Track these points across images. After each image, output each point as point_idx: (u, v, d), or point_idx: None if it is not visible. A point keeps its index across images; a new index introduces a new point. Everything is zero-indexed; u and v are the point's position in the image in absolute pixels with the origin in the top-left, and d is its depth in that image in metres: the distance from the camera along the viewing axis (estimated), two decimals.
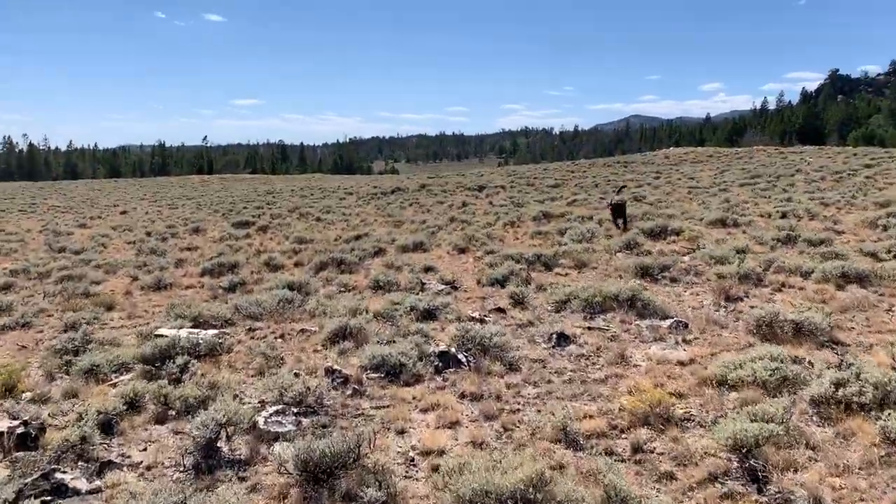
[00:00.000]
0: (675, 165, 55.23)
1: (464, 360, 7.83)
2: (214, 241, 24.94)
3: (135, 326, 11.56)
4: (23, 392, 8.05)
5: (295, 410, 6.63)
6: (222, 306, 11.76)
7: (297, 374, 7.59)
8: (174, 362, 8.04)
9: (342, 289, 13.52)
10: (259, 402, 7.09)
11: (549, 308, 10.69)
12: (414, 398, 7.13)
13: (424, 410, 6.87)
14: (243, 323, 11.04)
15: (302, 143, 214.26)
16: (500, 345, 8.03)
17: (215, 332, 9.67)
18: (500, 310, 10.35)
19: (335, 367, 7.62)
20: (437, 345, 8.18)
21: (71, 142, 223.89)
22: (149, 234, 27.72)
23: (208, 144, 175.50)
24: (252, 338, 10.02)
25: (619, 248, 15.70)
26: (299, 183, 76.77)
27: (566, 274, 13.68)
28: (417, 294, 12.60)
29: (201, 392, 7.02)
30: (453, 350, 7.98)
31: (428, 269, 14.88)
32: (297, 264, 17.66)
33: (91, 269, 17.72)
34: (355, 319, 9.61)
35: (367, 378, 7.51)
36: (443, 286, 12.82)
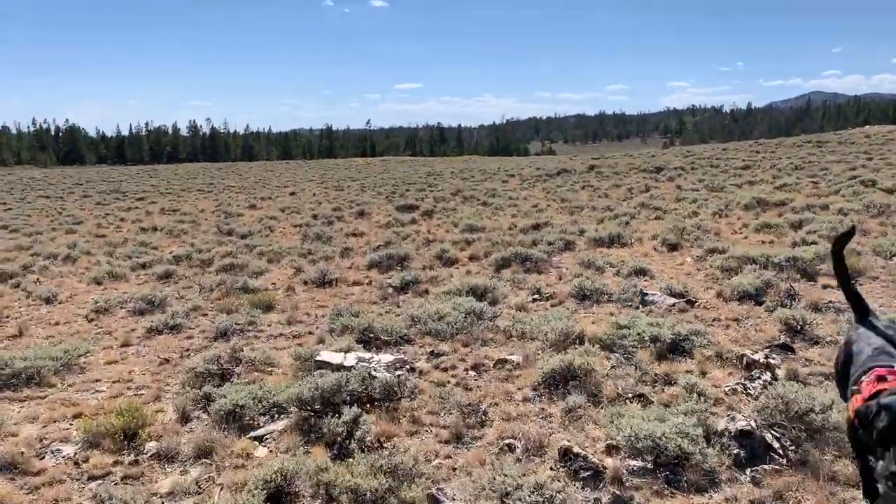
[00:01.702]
0: (883, 145, 47.39)
1: (778, 447, 4.89)
2: (379, 226, 23.26)
3: (294, 336, 9.59)
4: (148, 439, 6.10)
5: None
6: (395, 318, 9.49)
7: (517, 461, 5.00)
8: (339, 417, 5.73)
9: (536, 296, 10.87)
10: None
11: None
12: None
13: None
14: (422, 341, 8.69)
15: (459, 125, 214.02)
16: (832, 423, 4.98)
17: (391, 359, 7.33)
18: (786, 347, 7.20)
19: (575, 448, 4.94)
20: (730, 417, 5.26)
21: (248, 125, 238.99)
22: (315, 216, 26.63)
23: (371, 128, 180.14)
24: (436, 367, 7.60)
25: None
26: (458, 165, 75.38)
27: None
28: (638, 308, 9.70)
29: (378, 482, 4.60)
30: (757, 428, 5.04)
31: (640, 272, 11.88)
32: (471, 258, 15.26)
33: (254, 258, 16.31)
34: (575, 354, 6.90)
35: (628, 472, 4.78)
36: (672, 299, 9.80)
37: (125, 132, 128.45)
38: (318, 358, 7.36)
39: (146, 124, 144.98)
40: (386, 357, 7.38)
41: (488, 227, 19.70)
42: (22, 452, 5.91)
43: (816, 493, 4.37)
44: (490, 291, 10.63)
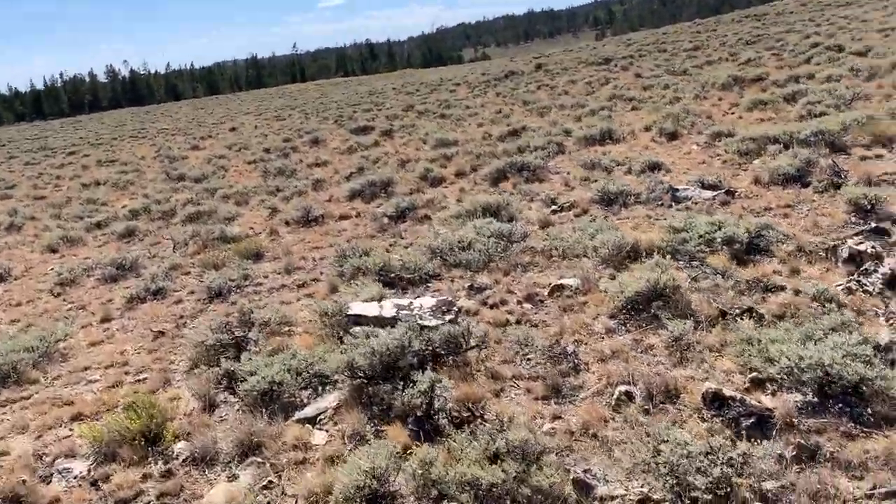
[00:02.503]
0: (822, 12, 46.75)
1: None
2: (341, 152, 21.73)
3: (299, 286, 8.45)
4: (175, 440, 5.01)
5: None
6: (413, 252, 8.41)
7: (646, 412, 4.09)
8: (408, 384, 4.70)
9: (554, 207, 9.86)
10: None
11: None
12: None
13: None
14: (450, 274, 7.66)
15: (389, 40, 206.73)
16: None
17: (433, 302, 6.27)
18: (881, 231, 6.38)
19: (725, 391, 4.05)
20: (894, 327, 4.40)
21: (168, 64, 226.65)
22: (267, 150, 24.84)
23: (298, 52, 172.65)
24: (483, 304, 6.61)
25: None
26: (395, 80, 72.35)
27: (880, 156, 9.40)
28: (671, 206, 8.81)
29: (501, 470, 3.64)
30: None
31: (654, 167, 10.94)
32: (458, 174, 14.12)
33: (220, 202, 14.85)
34: (651, 270, 5.98)
35: (798, 412, 3.91)
36: (707, 192, 8.92)
37: (39, 86, 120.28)
38: (350, 312, 6.27)
39: (60, 74, 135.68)
40: (427, 301, 6.33)
41: (461, 140, 18.42)
42: (23, 480, 4.77)
43: None
44: (504, 208, 9.58)
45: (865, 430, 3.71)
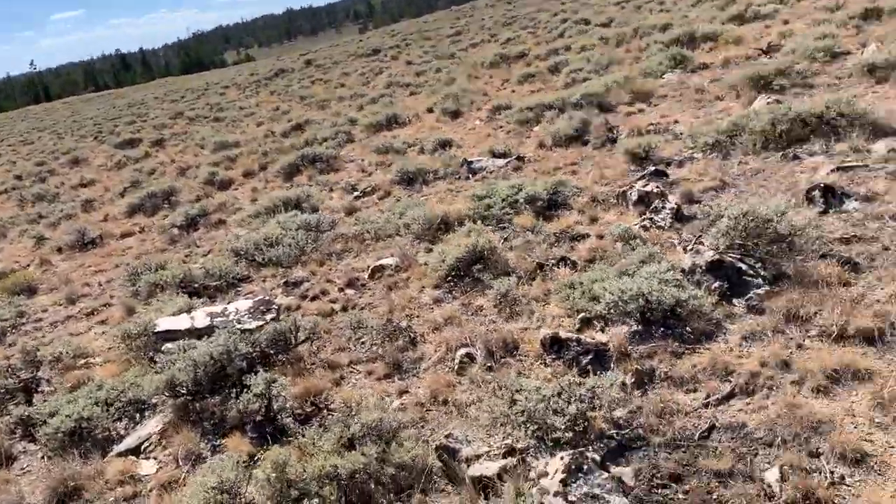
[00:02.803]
0: None
1: (748, 269, 4.54)
2: (108, 169, 19.91)
3: (88, 314, 7.56)
4: None
5: None
6: (213, 259, 7.87)
7: (489, 368, 4.12)
8: (240, 390, 4.33)
9: (356, 193, 9.72)
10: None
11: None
12: None
13: None
14: (261, 274, 7.25)
15: (141, 49, 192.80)
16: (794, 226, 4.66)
17: (248, 304, 5.86)
18: (660, 173, 6.97)
19: (562, 333, 4.17)
20: (694, 252, 4.76)
21: None
22: (19, 177, 22.06)
23: (37, 69, 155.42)
24: (304, 298, 6.32)
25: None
26: (156, 90, 67.66)
27: (642, 110, 10.36)
28: (468, 178, 9.07)
29: (361, 454, 3.46)
30: (724, 254, 4.63)
31: (444, 145, 11.19)
32: (246, 174, 13.53)
33: None
34: (466, 235, 6.09)
35: (629, 341, 4.13)
36: (499, 160, 9.28)
37: None
38: (158, 329, 5.67)
39: None
40: (243, 304, 5.90)
41: (242, 140, 17.63)
42: None
43: (822, 302, 4.09)
44: (304, 200, 9.27)
45: (689, 346, 4.03)
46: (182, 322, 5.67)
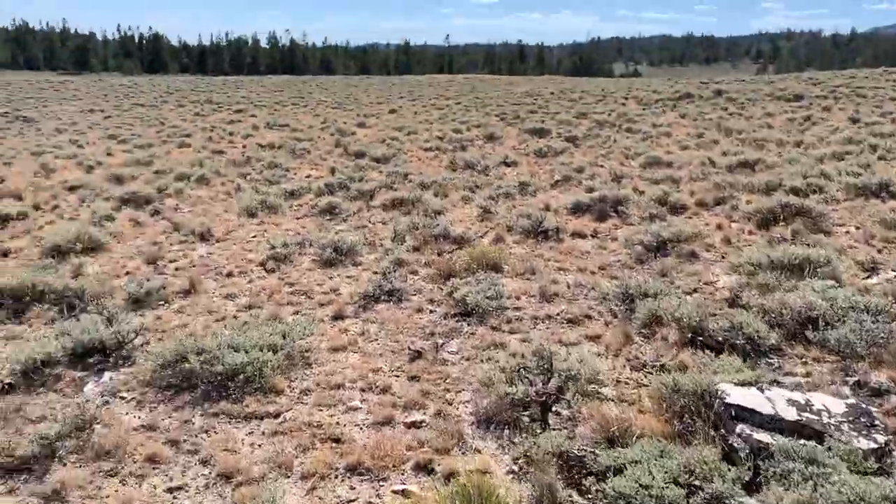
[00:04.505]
0: None
1: None
2: (524, 153, 20.04)
3: (573, 325, 6.82)
4: None
5: None
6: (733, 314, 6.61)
7: None
8: None
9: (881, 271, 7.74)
10: None
11: None
12: None
13: None
14: (796, 351, 5.77)
15: (540, 44, 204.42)
16: None
17: (844, 404, 4.43)
18: None
19: None
20: None
21: (326, 38, 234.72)
22: (441, 139, 23.58)
23: (449, 44, 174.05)
24: None
25: None
26: (546, 85, 69.98)
27: None
28: None
29: None
30: None
31: None
32: (699, 204, 12.09)
33: (419, 190, 13.44)
34: None
35: None
36: None
37: (206, 42, 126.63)
38: (728, 400, 4.49)
39: (226, 34, 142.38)
40: (829, 400, 4.48)
41: (683, 163, 16.26)
42: None
43: None
44: (822, 266, 7.54)
45: None
46: (758, 401, 4.41)
